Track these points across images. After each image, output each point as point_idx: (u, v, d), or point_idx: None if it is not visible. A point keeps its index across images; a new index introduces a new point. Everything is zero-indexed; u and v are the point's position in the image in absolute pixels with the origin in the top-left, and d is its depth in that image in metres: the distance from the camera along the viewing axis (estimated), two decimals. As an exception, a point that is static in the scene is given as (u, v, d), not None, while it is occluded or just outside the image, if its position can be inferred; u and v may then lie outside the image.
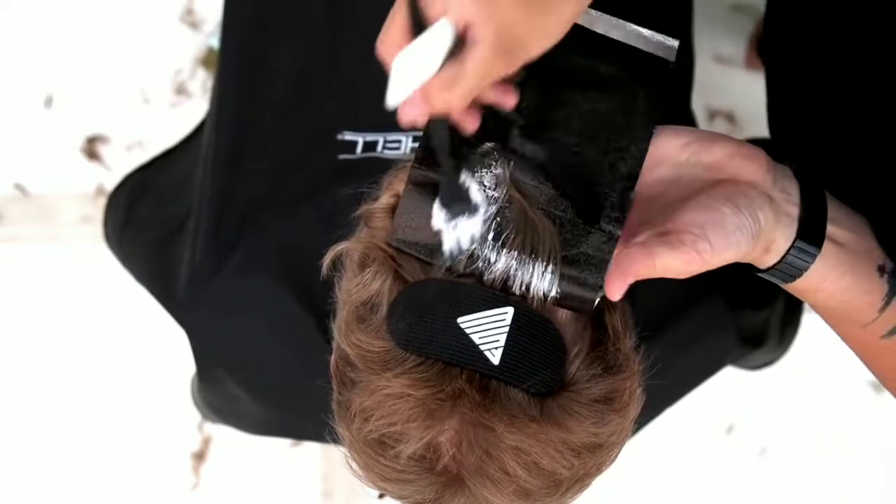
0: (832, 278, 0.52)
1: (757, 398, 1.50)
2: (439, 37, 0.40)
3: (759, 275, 0.54)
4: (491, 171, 0.52)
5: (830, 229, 0.52)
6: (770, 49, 0.83)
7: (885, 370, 0.59)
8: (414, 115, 0.43)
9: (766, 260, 0.52)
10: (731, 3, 1.48)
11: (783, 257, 0.51)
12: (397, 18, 0.43)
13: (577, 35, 0.52)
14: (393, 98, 0.43)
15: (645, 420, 0.86)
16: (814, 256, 0.51)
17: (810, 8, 0.73)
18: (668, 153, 0.51)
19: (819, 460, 1.53)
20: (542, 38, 0.42)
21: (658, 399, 0.85)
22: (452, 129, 0.48)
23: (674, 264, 0.48)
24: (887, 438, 1.51)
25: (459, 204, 0.51)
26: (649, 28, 0.53)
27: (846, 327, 0.57)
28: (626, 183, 0.51)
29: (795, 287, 0.53)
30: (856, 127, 0.68)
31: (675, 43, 0.53)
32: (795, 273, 0.52)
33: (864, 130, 0.67)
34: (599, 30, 0.53)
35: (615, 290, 0.47)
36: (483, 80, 0.42)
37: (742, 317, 0.83)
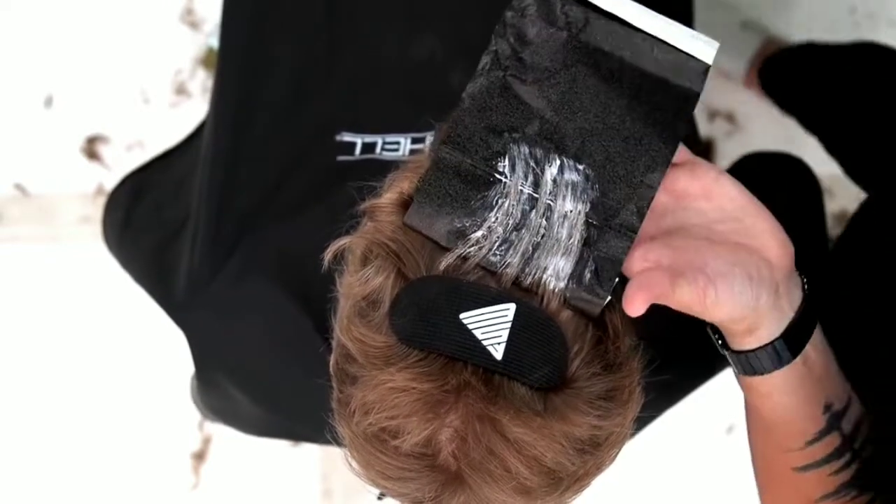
0: (783, 392, 0.53)
1: (757, 398, 1.50)
2: None
3: (725, 353, 0.55)
4: (516, 161, 0.52)
5: (808, 348, 0.53)
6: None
7: (776, 499, 0.60)
8: None
9: (741, 343, 0.53)
10: (741, 19, 1.47)
11: (756, 349, 0.52)
12: None
13: (623, 34, 0.52)
14: None
15: (646, 420, 0.86)
16: (784, 363, 0.52)
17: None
18: (719, 196, 0.51)
19: (819, 460, 1.53)
20: None
21: (659, 399, 0.85)
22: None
23: (685, 299, 0.49)
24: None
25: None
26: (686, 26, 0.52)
27: (766, 444, 0.58)
28: (646, 185, 0.51)
29: (748, 382, 0.55)
30: None
31: (715, 45, 0.52)
32: (759, 369, 0.53)
33: None
34: (646, 26, 0.52)
35: (637, 304, 0.48)
36: None
37: None
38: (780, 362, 0.52)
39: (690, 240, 0.51)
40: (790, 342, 0.52)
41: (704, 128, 1.53)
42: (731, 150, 1.52)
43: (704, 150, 1.51)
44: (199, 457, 1.54)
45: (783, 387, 0.53)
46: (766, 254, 0.51)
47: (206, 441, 1.54)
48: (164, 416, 1.52)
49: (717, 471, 1.54)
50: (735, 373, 0.56)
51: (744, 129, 1.53)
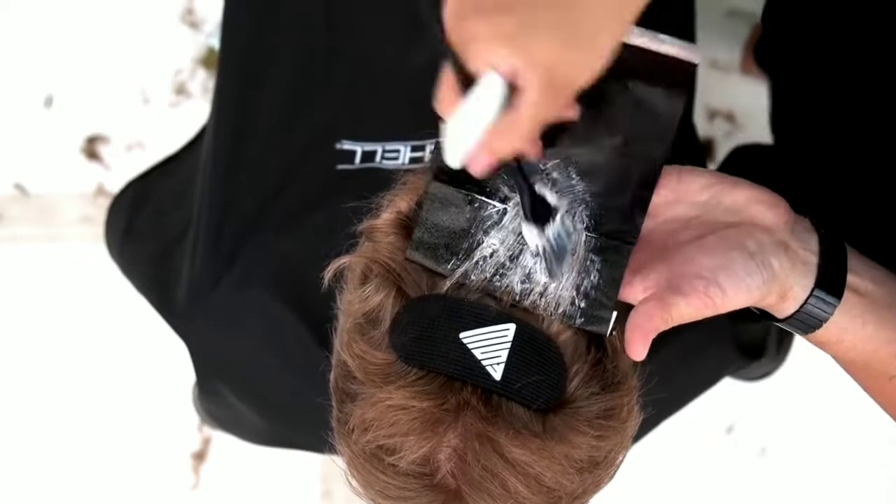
0: (853, 329, 0.51)
1: (757, 398, 1.50)
2: (490, 90, 0.41)
3: (779, 325, 0.53)
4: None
5: (851, 279, 0.51)
6: (770, 54, 0.82)
7: None
8: (482, 167, 0.45)
9: (784, 308, 0.51)
10: (726, 8, 1.47)
11: (801, 306, 0.51)
12: (447, 78, 0.44)
13: None
14: (451, 159, 0.44)
15: (644, 431, 0.86)
16: (833, 306, 0.50)
17: (809, 11, 0.72)
18: (688, 192, 0.51)
19: (819, 460, 1.53)
20: (586, 70, 0.42)
21: (657, 411, 0.85)
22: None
23: (688, 312, 0.48)
24: (888, 438, 1.51)
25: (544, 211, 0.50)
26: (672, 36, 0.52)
27: (871, 380, 0.56)
28: (640, 194, 0.51)
29: (816, 338, 0.53)
30: (859, 130, 0.68)
31: (698, 58, 0.52)
32: (815, 323, 0.51)
33: (867, 133, 0.67)
34: (634, 41, 0.52)
35: (637, 350, 0.48)
36: (537, 120, 0.43)
37: (741, 329, 0.83)
38: (829, 307, 0.50)
39: (681, 249, 0.51)
40: (828, 286, 0.50)
41: (704, 128, 1.53)
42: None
43: (704, 149, 1.51)
44: (199, 457, 1.54)
45: (849, 324, 0.51)
46: (760, 220, 0.50)
47: (206, 441, 1.54)
48: (164, 416, 1.52)
49: (717, 471, 1.54)
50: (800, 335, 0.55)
51: (743, 128, 1.53)
